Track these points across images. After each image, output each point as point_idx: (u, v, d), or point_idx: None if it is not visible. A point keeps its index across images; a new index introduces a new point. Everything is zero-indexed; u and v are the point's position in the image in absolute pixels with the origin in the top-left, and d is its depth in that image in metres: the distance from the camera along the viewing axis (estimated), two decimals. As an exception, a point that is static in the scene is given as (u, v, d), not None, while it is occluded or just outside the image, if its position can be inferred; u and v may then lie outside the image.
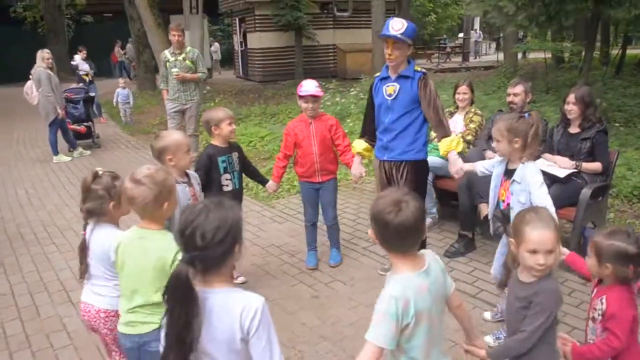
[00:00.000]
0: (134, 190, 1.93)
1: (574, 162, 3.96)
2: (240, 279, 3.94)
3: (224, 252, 1.50)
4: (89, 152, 8.66)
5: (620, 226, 2.17)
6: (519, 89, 4.31)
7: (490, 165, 3.05)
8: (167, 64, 6.61)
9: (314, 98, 3.81)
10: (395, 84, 3.53)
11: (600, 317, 1.99)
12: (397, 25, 3.34)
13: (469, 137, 4.65)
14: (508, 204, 2.81)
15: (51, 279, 4.12)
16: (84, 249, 2.29)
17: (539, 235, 1.86)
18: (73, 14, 24.69)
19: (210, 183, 3.50)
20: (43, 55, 7.62)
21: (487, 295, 3.61)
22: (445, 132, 3.52)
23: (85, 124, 8.94)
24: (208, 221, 1.48)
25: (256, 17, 18.06)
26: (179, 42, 6.50)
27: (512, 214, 2.89)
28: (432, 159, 4.22)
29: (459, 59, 23.65)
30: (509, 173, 2.84)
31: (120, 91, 10.91)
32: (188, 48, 6.67)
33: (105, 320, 2.28)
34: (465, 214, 4.23)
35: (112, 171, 2.35)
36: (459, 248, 4.24)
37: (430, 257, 1.80)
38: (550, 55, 15.02)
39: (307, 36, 17.67)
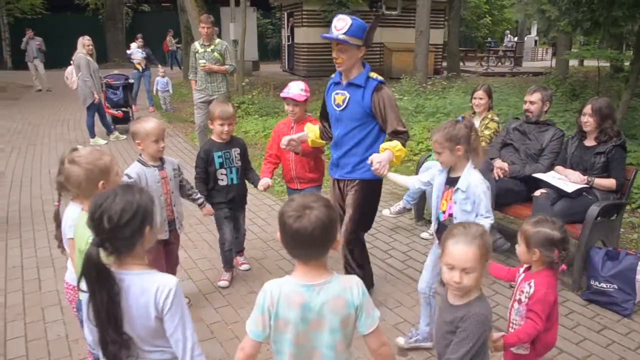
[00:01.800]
0: (68, 170, 1.97)
1: (585, 177, 3.77)
2: (245, 267, 4.06)
3: (132, 234, 1.56)
4: (124, 136, 8.97)
5: (546, 216, 2.19)
6: (535, 96, 4.13)
7: (430, 177, 2.82)
8: (196, 55, 6.76)
9: (295, 102, 3.55)
10: (344, 92, 3.09)
11: (527, 300, 2.13)
12: (339, 24, 2.90)
13: (483, 144, 4.49)
14: (450, 215, 2.61)
15: (59, 256, 4.28)
16: (57, 219, 2.35)
17: (458, 250, 1.77)
18: (132, 2, 25.59)
19: (209, 176, 3.65)
20: (84, 42, 7.99)
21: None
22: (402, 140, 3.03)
23: (123, 109, 9.27)
24: (114, 204, 1.54)
25: (304, 12, 18.16)
26: (208, 34, 6.62)
27: None
28: (431, 163, 4.13)
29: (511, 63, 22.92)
30: (451, 181, 2.62)
31: (160, 80, 11.26)
32: (217, 40, 6.78)
33: (66, 292, 2.37)
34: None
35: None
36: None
37: (342, 283, 1.60)
38: (608, 64, 14.27)
39: (354, 33, 17.57)
